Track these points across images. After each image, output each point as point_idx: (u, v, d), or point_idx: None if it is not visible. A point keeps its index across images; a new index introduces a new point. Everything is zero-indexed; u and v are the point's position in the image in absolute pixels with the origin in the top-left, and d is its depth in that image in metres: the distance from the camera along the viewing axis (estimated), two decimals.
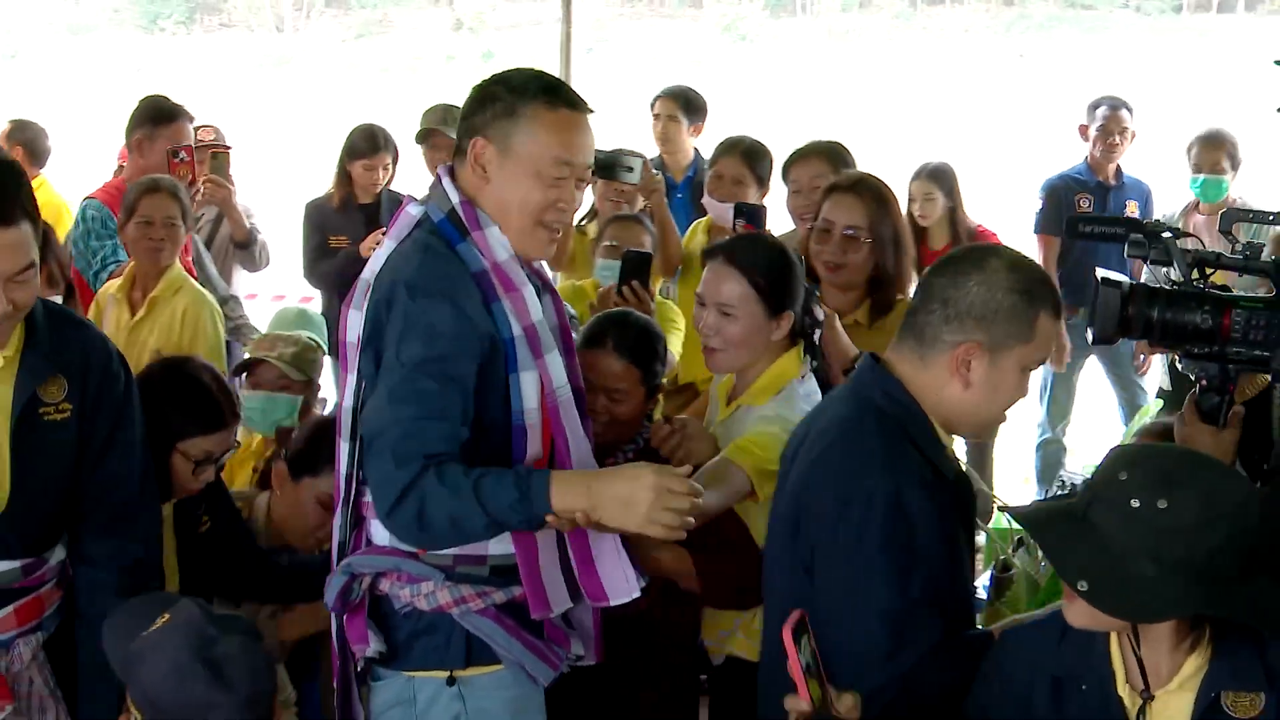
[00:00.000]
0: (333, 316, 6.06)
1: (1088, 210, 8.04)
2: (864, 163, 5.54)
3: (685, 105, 7.82)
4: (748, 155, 6.26)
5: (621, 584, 3.54)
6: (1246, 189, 7.75)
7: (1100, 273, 3.91)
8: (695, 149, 7.91)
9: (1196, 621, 2.90)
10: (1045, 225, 8.17)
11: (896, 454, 3.32)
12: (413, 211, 3.59)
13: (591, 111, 3.57)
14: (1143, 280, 3.91)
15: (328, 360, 7.42)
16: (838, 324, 4.47)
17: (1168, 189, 8.57)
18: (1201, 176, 7.58)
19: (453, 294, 3.40)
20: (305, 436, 4.76)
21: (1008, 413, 3.47)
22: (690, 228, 6.65)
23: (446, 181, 3.57)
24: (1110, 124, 8.13)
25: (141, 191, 6.15)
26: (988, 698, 3.17)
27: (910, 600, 3.24)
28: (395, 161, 7.80)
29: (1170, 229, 3.95)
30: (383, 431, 3.33)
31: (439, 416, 3.34)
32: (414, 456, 3.29)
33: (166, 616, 3.35)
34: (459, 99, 8.19)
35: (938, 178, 7.50)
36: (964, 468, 3.74)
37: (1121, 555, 2.78)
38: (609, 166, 5.89)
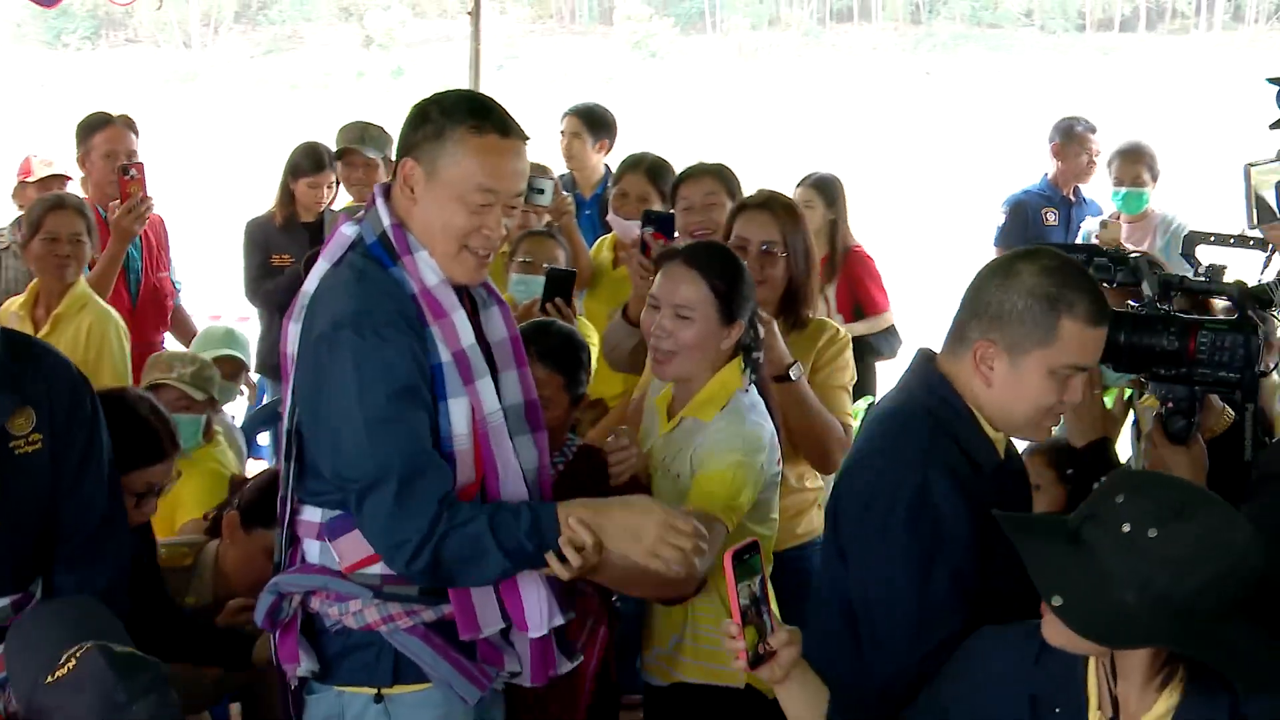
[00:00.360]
0: (274, 337, 6.03)
1: (1054, 224, 8.25)
2: (772, 180, 5.58)
3: (591, 122, 7.81)
4: (651, 172, 6.28)
5: (536, 616, 3.52)
6: (1160, 202, 7.89)
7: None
8: (605, 166, 7.90)
9: (1172, 659, 2.83)
10: (1006, 239, 8.21)
11: (931, 447, 3.30)
12: (347, 232, 3.52)
13: (526, 139, 3.49)
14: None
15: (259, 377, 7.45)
16: (776, 330, 4.48)
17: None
18: (1123, 189, 7.67)
19: (397, 322, 3.35)
20: (258, 486, 4.63)
21: (1060, 416, 3.46)
22: (595, 244, 6.65)
23: (380, 202, 3.48)
24: (1078, 146, 8.23)
25: (46, 208, 6.08)
26: (951, 697, 3.13)
27: (932, 591, 3.22)
28: (339, 180, 7.74)
29: (1141, 252, 3.96)
30: (379, 482, 3.29)
31: (425, 452, 3.31)
32: (424, 506, 3.27)
33: (72, 664, 3.17)
34: (370, 115, 8.22)
35: (821, 188, 7.48)
36: None
37: (1104, 577, 2.74)
38: None
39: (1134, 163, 7.36)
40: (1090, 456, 3.96)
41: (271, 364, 7.18)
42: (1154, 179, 7.45)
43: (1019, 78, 48.27)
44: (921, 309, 10.22)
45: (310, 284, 3.50)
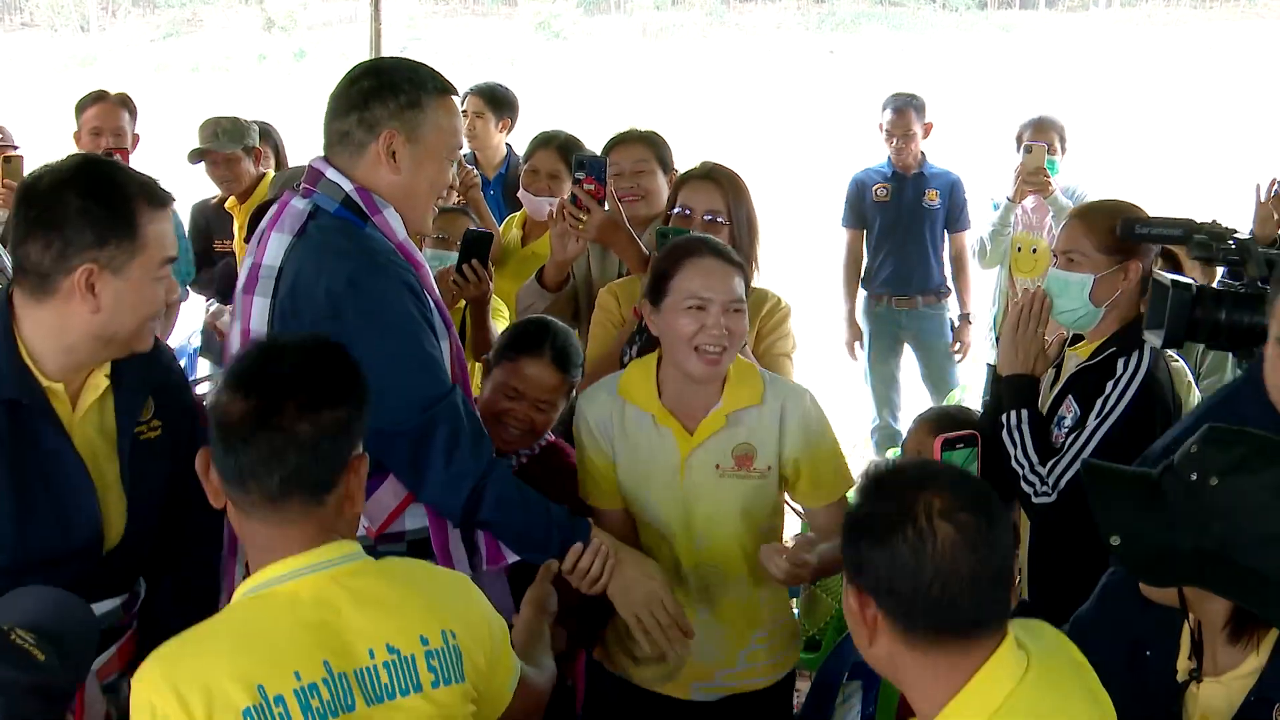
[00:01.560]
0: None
1: (884, 199, 8.29)
2: (678, 159, 5.58)
3: (492, 101, 7.78)
4: (563, 149, 6.26)
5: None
6: (1066, 176, 7.95)
7: (1165, 275, 3.89)
8: (507, 145, 7.88)
9: (1251, 618, 2.86)
10: (848, 219, 8.49)
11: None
12: (299, 205, 3.64)
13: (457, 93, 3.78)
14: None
15: None
16: None
17: (980, 176, 8.75)
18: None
19: (401, 271, 3.55)
20: None
21: None
22: (504, 222, 6.65)
23: (331, 171, 3.62)
24: (894, 129, 8.25)
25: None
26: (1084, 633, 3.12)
27: None
28: (282, 164, 7.65)
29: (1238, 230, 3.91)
30: (437, 419, 3.47)
31: (446, 377, 3.57)
32: (482, 442, 3.56)
33: None
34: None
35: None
36: None
37: (1166, 523, 2.80)
38: None
39: (1044, 132, 7.43)
40: (1009, 387, 4.04)
41: (215, 346, 7.18)
42: (1064, 149, 7.52)
43: (921, 56, 48.65)
44: (813, 285, 10.32)
45: (270, 256, 3.57)
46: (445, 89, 3.70)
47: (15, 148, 7.05)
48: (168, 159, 7.27)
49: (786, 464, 3.87)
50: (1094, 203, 4.50)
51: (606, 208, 4.80)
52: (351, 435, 2.70)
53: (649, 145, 5.49)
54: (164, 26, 57.49)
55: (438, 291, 3.75)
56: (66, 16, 57.62)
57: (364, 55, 8.50)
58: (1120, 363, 4.09)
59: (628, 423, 3.88)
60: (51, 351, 3.12)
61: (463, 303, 5.53)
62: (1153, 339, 3.95)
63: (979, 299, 8.47)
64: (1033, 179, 7.04)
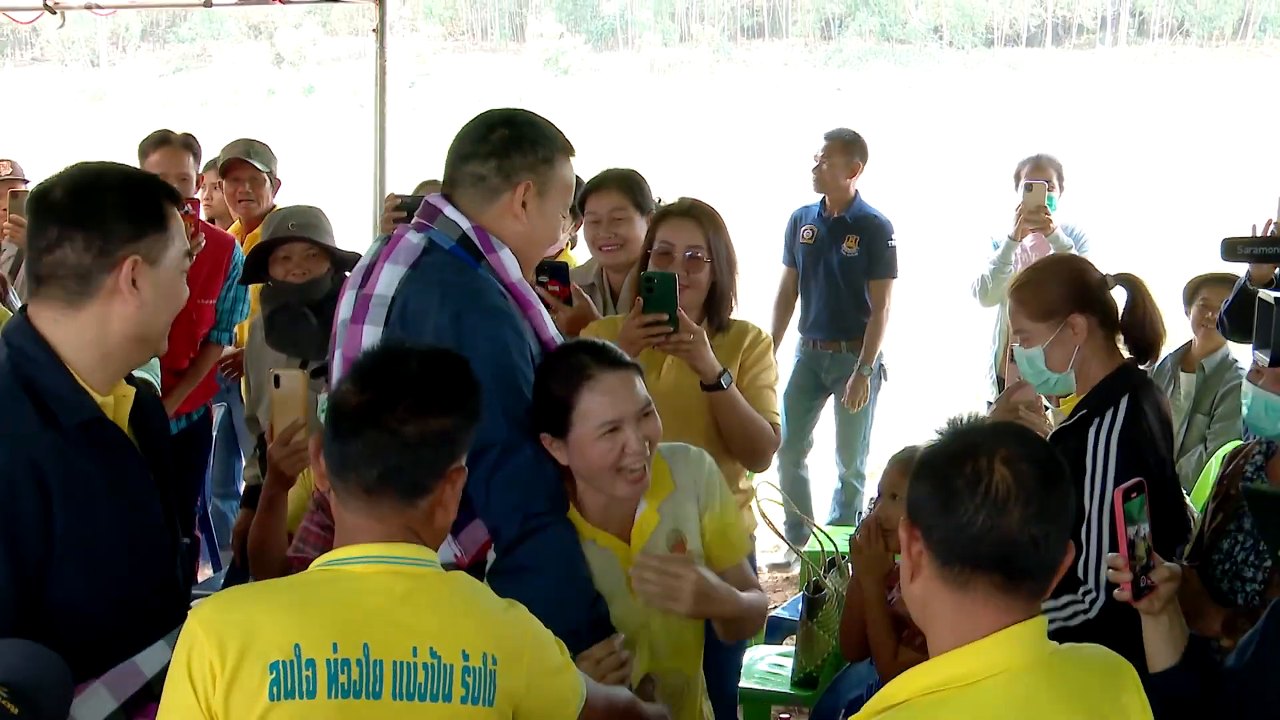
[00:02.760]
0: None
1: (809, 241, 8.10)
2: (685, 194, 5.57)
3: None
4: (625, 187, 6.24)
5: None
6: (1065, 214, 7.93)
7: (1269, 293, 3.87)
8: None
9: None
10: (785, 256, 8.33)
11: None
12: (414, 239, 3.70)
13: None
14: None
15: None
16: (705, 340, 4.53)
17: (992, 213, 8.65)
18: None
19: (508, 307, 3.62)
20: None
21: None
22: None
23: (450, 209, 3.70)
24: (821, 164, 7.99)
25: None
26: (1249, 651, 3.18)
27: None
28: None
29: None
30: (516, 444, 3.48)
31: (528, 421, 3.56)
32: (551, 479, 3.53)
33: None
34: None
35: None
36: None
37: None
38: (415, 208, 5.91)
39: (1042, 170, 7.38)
40: None
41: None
42: (1061, 186, 7.48)
43: (928, 93, 48.80)
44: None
45: (383, 287, 3.67)
46: (569, 149, 3.83)
47: (26, 182, 7.07)
48: None
49: (705, 535, 3.73)
50: (1021, 274, 4.45)
51: (574, 305, 4.91)
52: (455, 445, 2.77)
53: (625, 191, 5.50)
54: (174, 61, 57.83)
55: (553, 331, 3.80)
56: (77, 52, 57.95)
57: (371, 91, 8.56)
58: (1091, 431, 4.03)
59: None
60: (91, 363, 3.09)
61: None
62: (1261, 357, 3.97)
63: (886, 352, 8.25)
64: (1033, 217, 6.96)
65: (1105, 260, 4.36)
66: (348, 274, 5.42)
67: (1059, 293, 4.13)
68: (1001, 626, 2.41)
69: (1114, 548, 3.32)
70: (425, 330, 3.53)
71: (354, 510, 2.72)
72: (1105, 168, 26.30)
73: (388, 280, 3.67)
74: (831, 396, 8.22)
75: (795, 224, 8.17)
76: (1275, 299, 3.78)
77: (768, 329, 7.22)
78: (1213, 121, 36.88)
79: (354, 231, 7.24)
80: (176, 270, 3.15)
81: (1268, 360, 3.87)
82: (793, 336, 8.36)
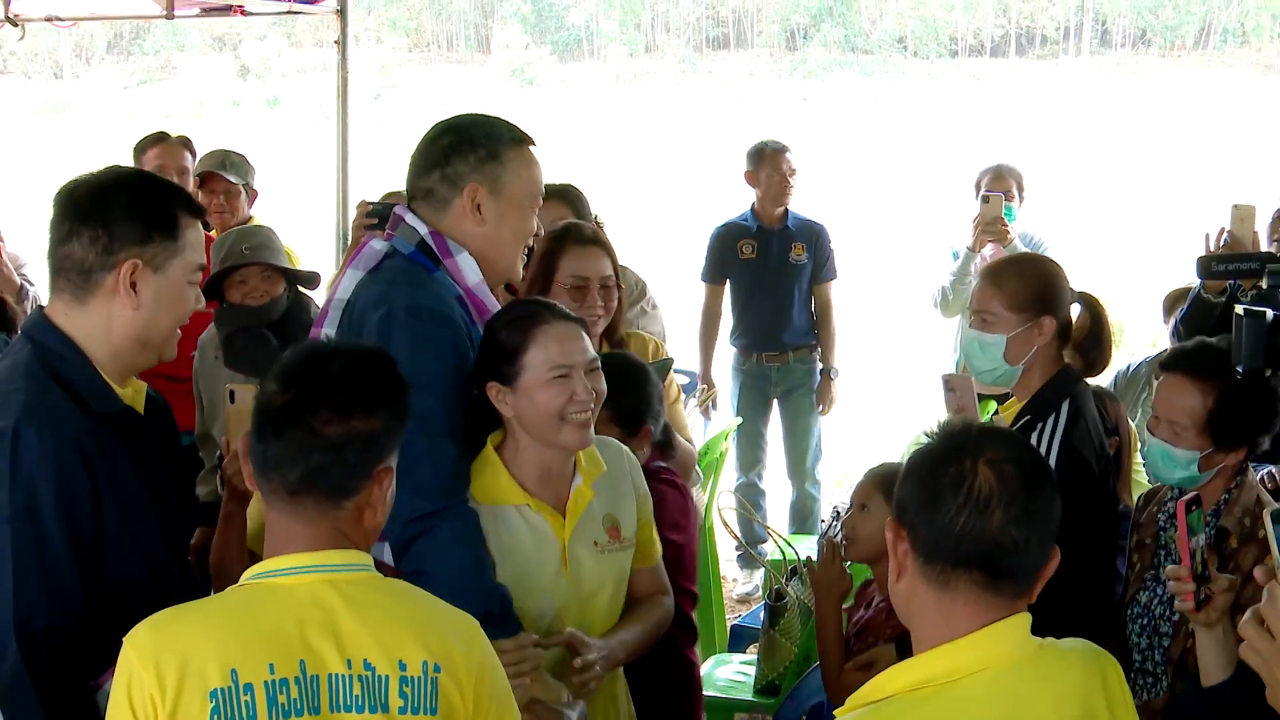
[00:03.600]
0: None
1: (751, 255, 8.02)
2: (651, 208, 5.60)
3: None
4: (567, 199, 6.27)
5: None
6: (1025, 223, 7.96)
7: (1241, 306, 3.89)
8: None
9: None
10: (708, 274, 8.13)
11: None
12: (377, 246, 3.74)
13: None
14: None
15: None
16: None
17: (954, 224, 8.67)
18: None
19: (449, 315, 3.59)
20: None
21: None
22: None
23: (410, 217, 3.71)
24: (782, 167, 7.97)
25: None
26: None
27: None
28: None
29: None
30: (407, 451, 3.31)
31: (450, 436, 3.51)
32: (436, 493, 3.46)
33: None
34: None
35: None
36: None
37: None
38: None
39: (1002, 179, 7.41)
40: None
41: None
42: (1021, 196, 7.51)
43: (893, 103, 48.96)
44: None
45: (344, 291, 3.71)
46: (521, 139, 3.78)
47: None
48: None
49: (639, 527, 3.76)
50: (1003, 260, 4.49)
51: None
52: (381, 447, 2.73)
53: (566, 203, 5.54)
54: (138, 74, 57.61)
55: None
56: (40, 64, 57.68)
57: (334, 103, 8.56)
58: (1034, 437, 4.02)
59: (497, 525, 3.56)
60: (103, 357, 3.16)
61: None
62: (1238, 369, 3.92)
63: (843, 353, 8.28)
64: (991, 228, 6.94)
65: (1066, 270, 4.39)
66: (302, 290, 5.49)
67: (1039, 290, 4.16)
68: (983, 624, 2.44)
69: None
70: (371, 323, 3.56)
71: (279, 512, 2.69)
72: (1069, 177, 26.43)
73: (347, 284, 3.72)
74: (776, 408, 8.21)
75: (724, 240, 8.05)
76: (1245, 310, 3.81)
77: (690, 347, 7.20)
78: (1174, 130, 37.14)
79: (318, 243, 7.24)
80: (183, 280, 3.20)
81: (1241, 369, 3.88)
82: (722, 355, 8.30)
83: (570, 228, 4.80)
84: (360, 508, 2.71)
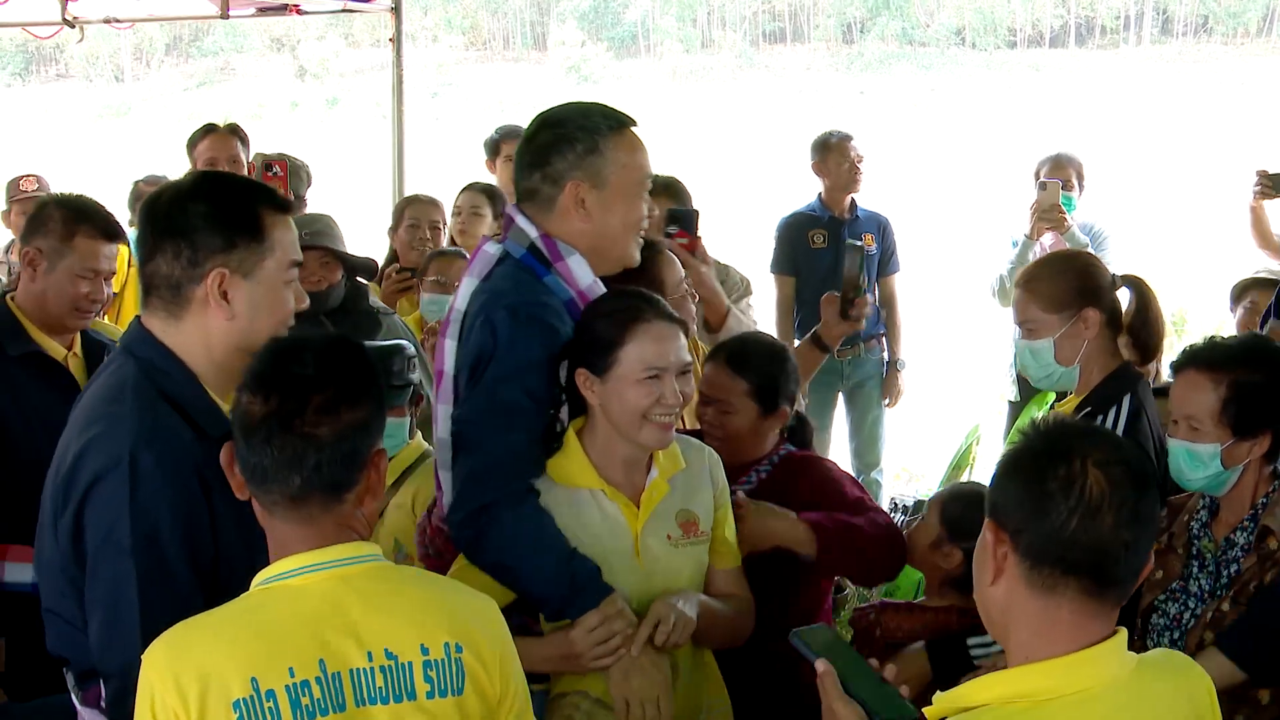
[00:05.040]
0: None
1: (822, 245, 7.90)
2: (709, 204, 5.57)
3: (489, 197, 7.75)
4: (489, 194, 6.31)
5: None
6: (1085, 213, 7.90)
7: None
8: None
9: None
10: (779, 265, 8.03)
11: None
12: (490, 250, 3.73)
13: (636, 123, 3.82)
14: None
15: None
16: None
17: (1009, 215, 8.64)
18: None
19: (549, 319, 3.56)
20: None
21: None
22: None
23: (521, 219, 3.69)
24: (850, 154, 7.92)
25: None
26: None
27: None
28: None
29: None
30: (477, 443, 3.50)
31: (525, 432, 3.52)
32: (498, 482, 3.47)
33: None
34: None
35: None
36: None
37: None
38: None
39: (1061, 169, 7.35)
40: None
41: None
42: (1080, 186, 7.45)
43: (951, 95, 48.70)
44: None
45: (461, 301, 3.71)
46: (620, 124, 3.74)
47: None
48: None
49: (715, 529, 3.74)
50: (1032, 266, 4.42)
51: (699, 259, 4.66)
52: (371, 431, 2.69)
53: (671, 196, 5.48)
54: (197, 76, 58.05)
55: None
56: (101, 67, 58.23)
57: (390, 101, 8.59)
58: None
59: (571, 507, 3.58)
60: (206, 370, 3.11)
61: None
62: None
63: (907, 345, 8.25)
64: (1048, 215, 6.90)
65: (1126, 260, 4.36)
66: (360, 280, 5.49)
67: (1073, 286, 4.12)
68: (1084, 634, 2.39)
69: None
70: (477, 329, 3.58)
71: (283, 518, 2.65)
72: (1131, 168, 26.21)
73: (464, 294, 3.73)
74: (841, 400, 8.17)
75: (794, 230, 8.00)
76: None
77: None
78: (1237, 119, 36.73)
79: (376, 243, 7.26)
80: (277, 281, 3.13)
81: None
82: None
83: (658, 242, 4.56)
84: (360, 495, 2.69)
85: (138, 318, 3.15)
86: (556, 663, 3.50)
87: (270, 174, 6.50)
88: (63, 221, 4.45)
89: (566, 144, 3.65)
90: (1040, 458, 2.40)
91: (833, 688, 2.53)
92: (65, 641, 3.07)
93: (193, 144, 6.88)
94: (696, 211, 4.81)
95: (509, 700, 2.79)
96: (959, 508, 3.93)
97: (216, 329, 3.06)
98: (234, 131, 6.97)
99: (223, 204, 3.09)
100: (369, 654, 2.60)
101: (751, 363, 4.12)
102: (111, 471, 2.89)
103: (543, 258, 3.63)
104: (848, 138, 7.93)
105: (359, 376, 2.69)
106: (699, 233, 4.69)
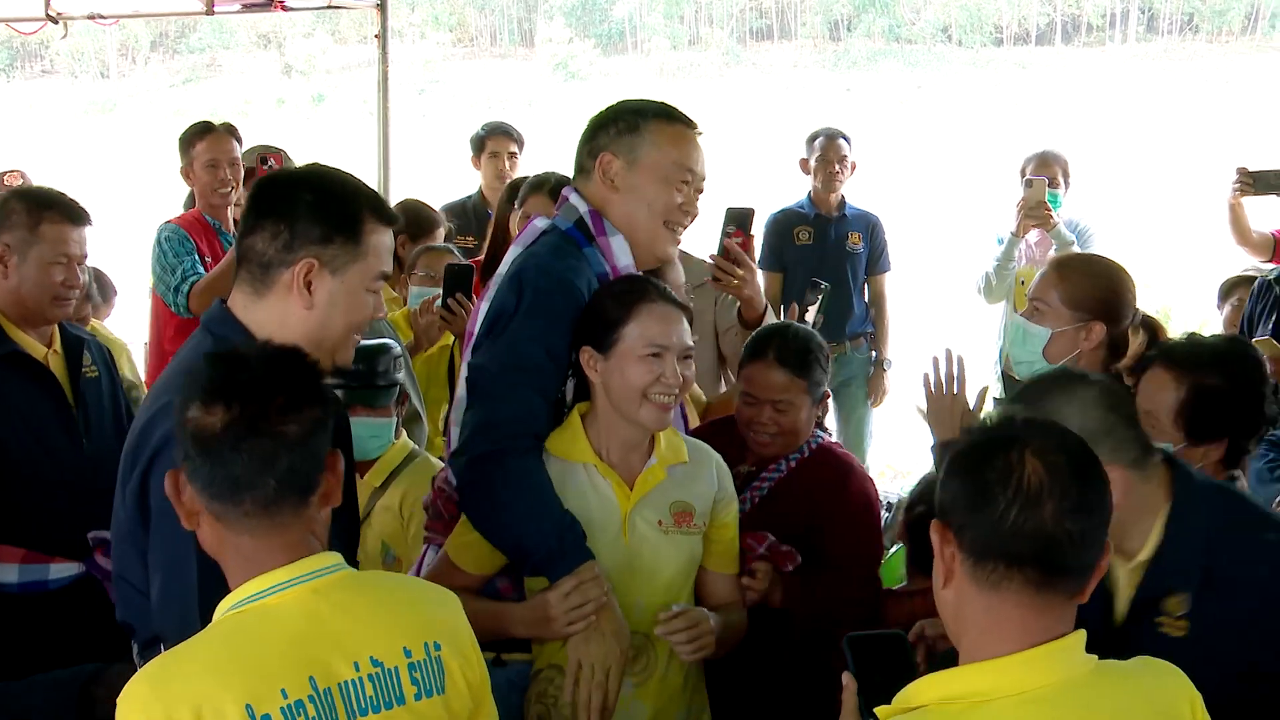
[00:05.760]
0: None
1: (807, 241, 7.97)
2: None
3: (519, 141, 7.76)
4: (555, 193, 6.24)
5: None
6: (1071, 210, 7.91)
7: None
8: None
9: None
10: (764, 260, 7.90)
11: None
12: (539, 224, 3.86)
13: (700, 131, 3.89)
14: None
15: None
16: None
17: (996, 212, 8.67)
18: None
19: (578, 282, 3.64)
20: None
21: None
22: None
23: (574, 196, 3.82)
24: (830, 154, 7.98)
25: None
26: None
27: None
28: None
29: None
30: (491, 393, 3.57)
31: (540, 392, 3.60)
32: (507, 432, 3.53)
33: None
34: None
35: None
36: None
37: None
38: None
39: (1048, 166, 7.37)
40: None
41: None
42: (1066, 183, 7.47)
43: (938, 92, 48.73)
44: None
45: (504, 266, 3.81)
46: (669, 116, 3.84)
47: (277, 153, 7.09)
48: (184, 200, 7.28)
49: (711, 525, 3.77)
50: (1076, 255, 4.42)
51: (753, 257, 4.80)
52: (328, 429, 2.66)
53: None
54: (183, 72, 57.86)
55: None
56: (87, 63, 58.03)
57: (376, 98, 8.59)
58: None
59: (563, 479, 3.61)
60: None
61: (450, 336, 5.66)
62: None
63: (894, 344, 8.32)
64: (1034, 213, 6.92)
65: (1112, 257, 4.33)
66: None
67: (1103, 293, 4.09)
68: (1032, 632, 2.35)
69: None
70: (507, 275, 3.71)
71: (253, 531, 2.59)
72: (1117, 165, 26.25)
73: (508, 259, 3.83)
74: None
75: (781, 226, 8.03)
76: None
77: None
78: (1223, 117, 36.79)
79: None
80: (360, 286, 3.16)
81: None
82: None
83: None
84: (322, 499, 2.66)
85: (220, 299, 3.21)
86: (531, 626, 3.53)
87: (265, 167, 6.47)
88: (26, 212, 4.52)
89: (612, 122, 3.82)
90: (978, 451, 2.39)
91: (848, 704, 2.52)
92: (132, 608, 3.10)
93: (188, 142, 6.80)
94: (752, 210, 4.84)
95: (486, 686, 2.80)
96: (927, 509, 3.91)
97: (294, 316, 3.11)
98: (230, 131, 6.92)
99: (329, 198, 3.16)
100: (355, 664, 2.58)
101: (805, 359, 4.20)
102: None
103: (587, 231, 3.74)
104: (834, 137, 7.97)
105: (307, 376, 2.66)
106: (751, 231, 4.77)
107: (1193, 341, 3.76)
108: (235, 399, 2.55)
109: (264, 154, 6.65)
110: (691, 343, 3.66)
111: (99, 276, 7.01)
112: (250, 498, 2.56)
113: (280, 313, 3.12)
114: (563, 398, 3.69)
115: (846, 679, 2.54)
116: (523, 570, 3.58)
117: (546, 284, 3.61)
